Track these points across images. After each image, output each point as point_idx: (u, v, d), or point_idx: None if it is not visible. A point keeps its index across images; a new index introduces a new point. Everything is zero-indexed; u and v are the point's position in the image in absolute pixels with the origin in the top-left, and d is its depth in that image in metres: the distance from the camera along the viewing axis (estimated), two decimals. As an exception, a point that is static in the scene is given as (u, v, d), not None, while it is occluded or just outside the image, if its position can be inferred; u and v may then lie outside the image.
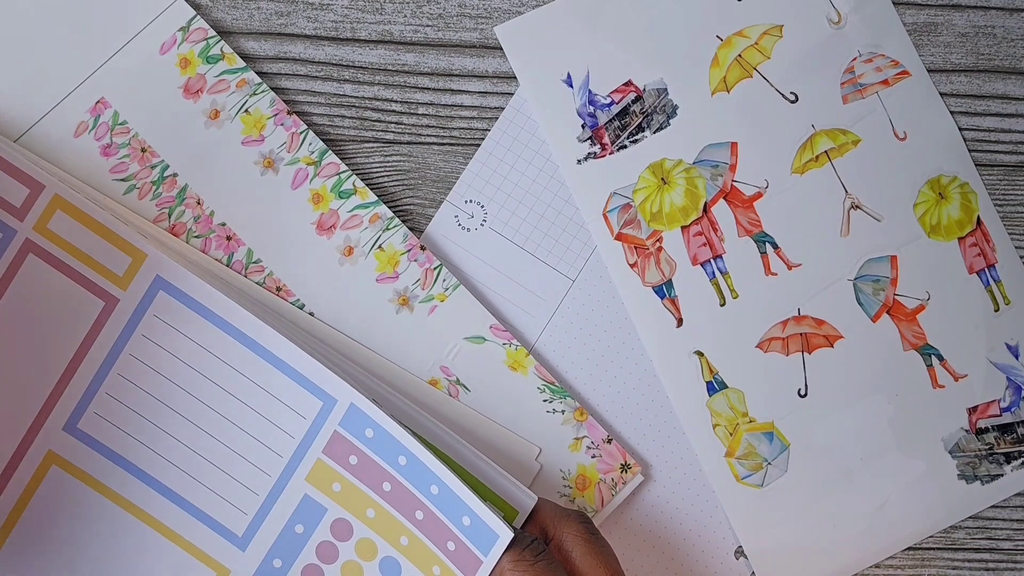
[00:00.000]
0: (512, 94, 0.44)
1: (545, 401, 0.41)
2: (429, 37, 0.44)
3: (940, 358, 0.42)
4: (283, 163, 0.42)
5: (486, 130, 0.44)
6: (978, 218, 0.43)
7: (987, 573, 0.43)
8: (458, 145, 0.43)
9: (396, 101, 0.44)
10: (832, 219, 0.43)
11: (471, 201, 0.43)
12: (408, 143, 0.43)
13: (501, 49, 0.44)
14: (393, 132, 0.43)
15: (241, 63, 0.42)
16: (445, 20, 0.44)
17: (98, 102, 0.41)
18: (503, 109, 0.44)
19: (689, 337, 0.42)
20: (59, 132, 0.41)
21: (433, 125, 0.43)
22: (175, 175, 0.41)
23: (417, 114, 0.44)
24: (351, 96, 0.43)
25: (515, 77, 0.44)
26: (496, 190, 0.43)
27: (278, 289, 0.41)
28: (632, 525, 0.42)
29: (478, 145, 0.43)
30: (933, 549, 0.43)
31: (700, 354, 0.42)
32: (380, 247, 0.41)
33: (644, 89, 0.43)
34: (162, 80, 0.42)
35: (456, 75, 0.44)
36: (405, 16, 0.44)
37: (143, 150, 0.41)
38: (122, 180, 0.41)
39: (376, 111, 0.43)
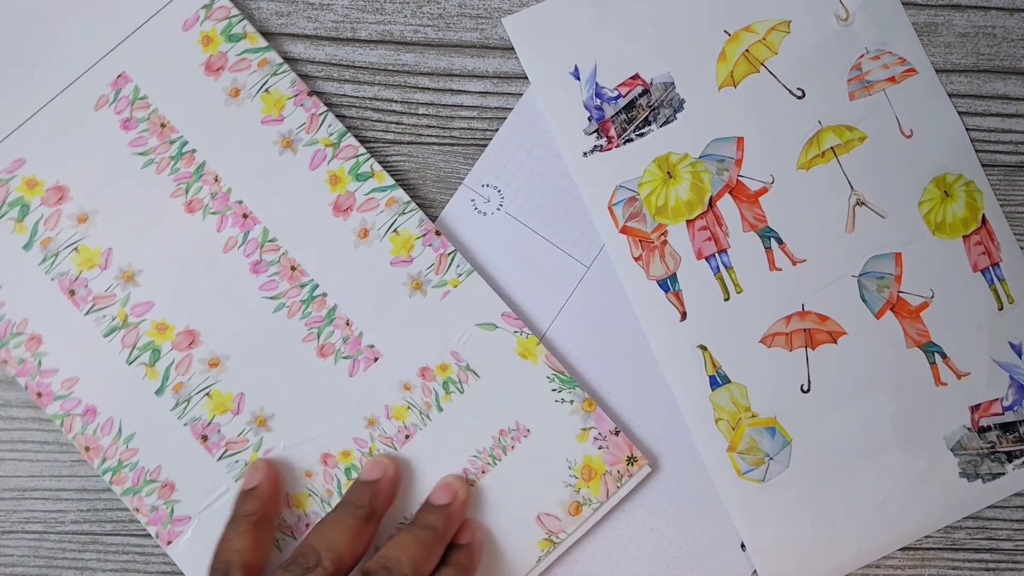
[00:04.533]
0: (512, 94, 0.44)
1: (554, 390, 0.41)
2: (429, 37, 0.44)
3: (943, 356, 0.42)
4: (302, 144, 0.42)
5: (486, 130, 0.43)
6: (983, 216, 0.44)
7: (987, 573, 0.43)
8: (458, 145, 0.43)
9: (396, 101, 0.43)
10: (837, 215, 0.43)
11: (488, 185, 0.43)
12: (408, 143, 0.43)
13: (501, 49, 0.44)
14: (393, 132, 0.43)
15: (263, 43, 0.42)
16: (445, 20, 0.44)
17: (119, 76, 0.41)
18: (503, 108, 0.44)
19: (693, 331, 0.42)
20: (80, 105, 0.41)
21: (433, 125, 0.43)
22: (193, 151, 0.41)
23: (417, 114, 0.44)
24: (351, 96, 0.43)
25: (515, 76, 0.44)
26: (513, 175, 0.43)
27: (292, 268, 0.41)
28: (638, 516, 0.42)
29: (478, 145, 0.43)
30: (933, 549, 0.43)
31: (704, 348, 0.42)
32: (395, 231, 0.41)
33: (651, 83, 0.43)
34: (184, 56, 0.42)
35: (456, 75, 0.44)
36: (405, 16, 0.44)
37: (163, 125, 0.41)
38: (140, 155, 0.41)
39: (376, 111, 0.43)
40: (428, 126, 0.43)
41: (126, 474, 0.40)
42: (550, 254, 0.43)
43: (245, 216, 0.41)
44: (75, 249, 0.41)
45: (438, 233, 0.41)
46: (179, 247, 0.41)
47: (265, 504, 0.38)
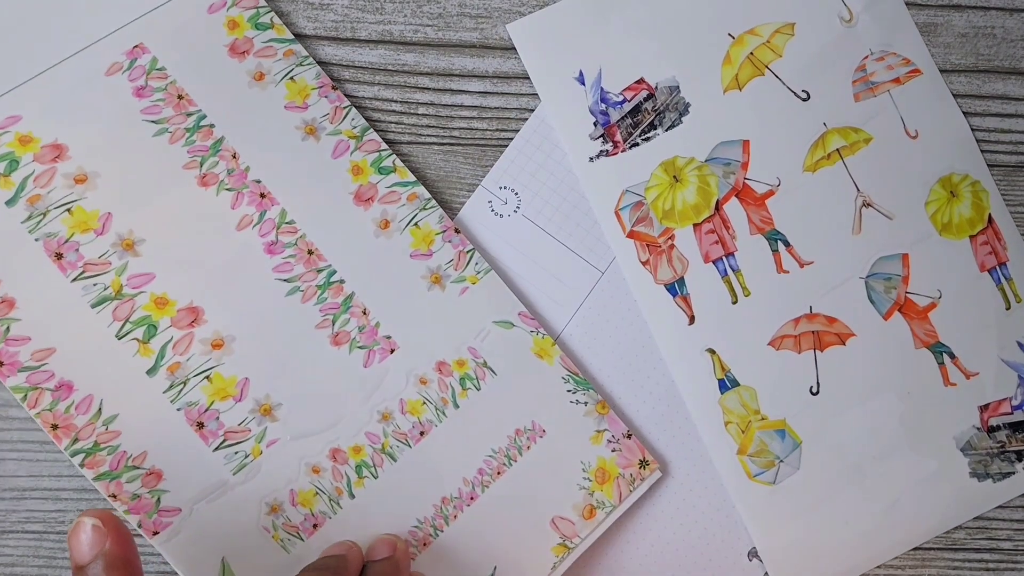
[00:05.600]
0: (512, 93, 0.44)
1: (569, 391, 0.41)
2: (429, 37, 0.44)
3: (951, 356, 0.42)
4: (325, 132, 0.41)
5: (486, 130, 0.43)
6: (989, 216, 0.44)
7: (987, 573, 0.43)
8: (458, 145, 0.43)
9: (396, 101, 0.43)
10: (844, 217, 0.43)
11: (505, 187, 0.43)
12: (408, 143, 0.43)
13: (501, 49, 0.44)
14: (393, 132, 0.43)
15: (290, 35, 0.41)
16: (445, 20, 0.44)
17: (136, 46, 0.40)
18: (503, 108, 0.43)
19: (701, 335, 0.42)
20: (89, 69, 0.40)
21: (433, 125, 0.43)
22: (212, 126, 0.40)
23: (417, 114, 0.43)
24: (351, 96, 0.43)
25: (515, 76, 0.44)
26: (531, 177, 0.43)
27: (309, 252, 0.40)
28: (647, 521, 0.42)
29: (478, 145, 0.43)
30: (933, 549, 0.43)
31: (712, 352, 0.42)
32: (416, 224, 0.41)
33: (656, 87, 0.43)
34: (208, 35, 0.41)
35: (456, 75, 0.44)
36: (405, 16, 0.44)
37: (180, 97, 0.40)
38: (153, 122, 0.40)
39: (376, 111, 0.43)
40: (428, 126, 0.43)
41: (103, 457, 0.37)
42: (565, 258, 0.43)
43: (263, 196, 0.40)
44: (68, 210, 0.38)
45: (457, 231, 0.41)
46: (188, 220, 0.39)
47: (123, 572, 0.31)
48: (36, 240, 0.38)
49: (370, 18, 0.44)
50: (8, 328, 0.37)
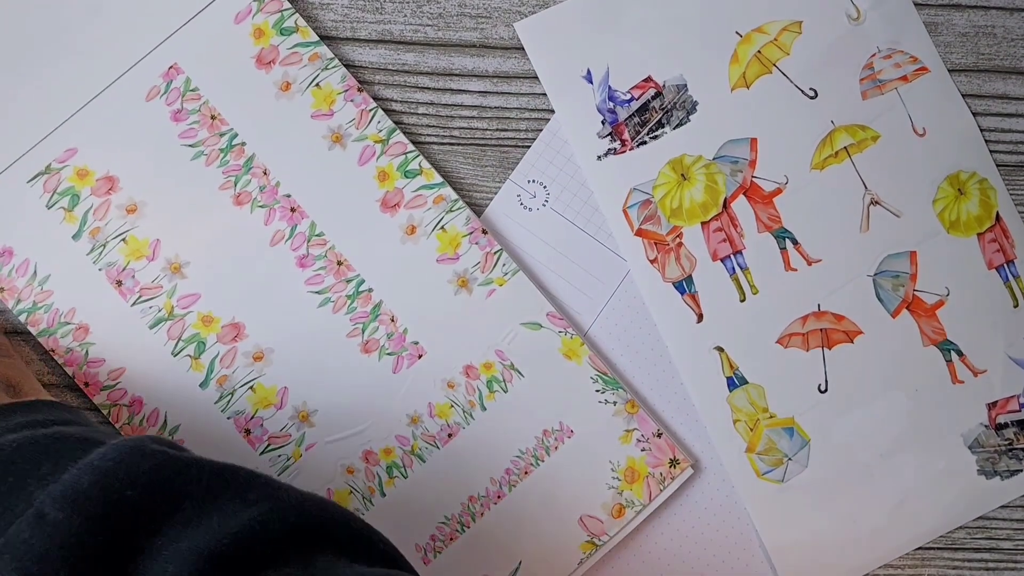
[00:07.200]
0: (512, 93, 0.44)
1: (598, 391, 0.41)
2: (429, 37, 0.44)
3: (959, 353, 0.43)
4: (351, 139, 0.42)
5: (486, 129, 0.43)
6: (997, 214, 0.44)
7: (987, 573, 0.43)
8: (458, 145, 0.43)
9: (396, 101, 0.43)
10: (851, 215, 0.43)
11: (534, 181, 0.43)
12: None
13: (501, 49, 0.44)
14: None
15: (314, 37, 0.42)
16: (445, 20, 0.44)
17: (171, 67, 0.41)
18: (503, 108, 0.43)
19: (709, 333, 0.42)
20: (131, 95, 0.41)
21: (433, 125, 0.43)
22: (243, 144, 0.41)
23: (417, 114, 0.43)
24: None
25: (515, 76, 0.44)
26: (559, 171, 0.43)
27: (339, 263, 0.41)
28: (676, 519, 0.42)
29: (478, 145, 0.43)
30: (933, 549, 0.43)
31: (720, 350, 0.42)
32: (443, 228, 0.42)
33: (664, 85, 0.43)
34: (235, 49, 0.41)
35: (456, 75, 0.44)
36: (405, 16, 0.44)
37: (213, 117, 0.41)
38: (190, 146, 0.41)
39: (376, 111, 0.43)
40: (428, 126, 0.43)
41: None
42: (595, 250, 0.43)
43: (293, 210, 0.41)
44: (123, 240, 0.41)
45: (484, 232, 0.42)
46: (226, 240, 0.41)
47: None
48: (100, 270, 0.41)
49: (370, 18, 0.44)
50: (87, 352, 0.41)
